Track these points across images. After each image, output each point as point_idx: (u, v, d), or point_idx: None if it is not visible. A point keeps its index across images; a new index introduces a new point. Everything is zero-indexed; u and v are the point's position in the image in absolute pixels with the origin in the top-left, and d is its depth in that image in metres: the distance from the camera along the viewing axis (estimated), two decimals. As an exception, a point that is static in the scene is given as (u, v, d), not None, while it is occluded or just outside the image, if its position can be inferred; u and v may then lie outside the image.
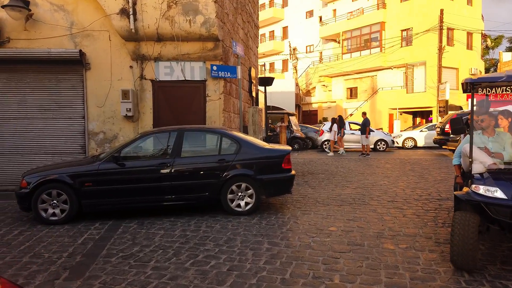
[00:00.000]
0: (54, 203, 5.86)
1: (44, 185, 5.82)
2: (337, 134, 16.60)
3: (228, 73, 8.26)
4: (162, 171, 6.01)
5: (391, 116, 29.70)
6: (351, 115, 31.43)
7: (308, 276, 3.86)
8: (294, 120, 20.75)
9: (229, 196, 6.19)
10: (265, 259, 4.33)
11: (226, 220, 5.98)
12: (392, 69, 29.52)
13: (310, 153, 18.48)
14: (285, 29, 39.91)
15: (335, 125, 16.63)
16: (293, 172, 6.57)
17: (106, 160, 6.03)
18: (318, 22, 35.80)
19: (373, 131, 18.97)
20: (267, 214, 6.29)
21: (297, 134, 19.67)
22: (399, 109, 28.60)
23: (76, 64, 7.86)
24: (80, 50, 7.74)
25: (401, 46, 29.00)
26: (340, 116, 17.50)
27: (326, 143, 18.86)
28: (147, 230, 5.52)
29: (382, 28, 29.95)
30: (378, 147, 18.56)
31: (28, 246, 4.89)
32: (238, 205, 6.23)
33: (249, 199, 6.25)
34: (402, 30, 29.07)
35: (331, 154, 16.47)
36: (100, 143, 8.02)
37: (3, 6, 7.21)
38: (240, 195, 6.22)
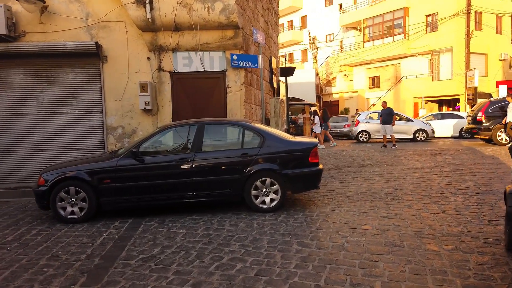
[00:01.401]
0: (73, 201, 5.65)
1: (62, 183, 5.61)
2: (321, 127, 15.90)
3: (249, 62, 7.87)
4: (183, 166, 5.71)
5: (416, 105, 28.69)
6: (373, 105, 30.57)
7: (345, 283, 3.47)
8: (317, 111, 20.16)
9: (253, 192, 5.85)
10: (295, 262, 3.96)
11: (250, 217, 5.64)
12: (416, 56, 28.43)
13: (339, 144, 17.95)
14: (303, 18, 39.05)
15: (317, 117, 15.95)
16: (320, 166, 6.17)
17: (124, 155, 5.77)
18: (338, 10, 34.84)
19: (412, 120, 18.23)
20: (294, 211, 5.91)
21: None
22: (424, 97, 27.57)
23: (92, 56, 7.62)
24: (96, 42, 7.50)
25: (426, 32, 27.85)
26: (324, 109, 16.87)
27: (362, 133, 18.20)
28: (168, 229, 5.24)
29: (406, 14, 28.82)
30: (417, 137, 17.70)
31: (45, 247, 4.68)
32: (263, 202, 5.88)
33: (274, 195, 5.89)
34: (427, 16, 27.89)
35: (321, 146, 15.65)
36: (119, 138, 7.79)
37: (17, -1, 7.01)
38: (265, 191, 5.87)
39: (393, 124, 15.06)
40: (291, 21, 40.21)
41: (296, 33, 38.82)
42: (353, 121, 20.18)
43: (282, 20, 38.56)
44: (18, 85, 7.63)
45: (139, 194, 5.75)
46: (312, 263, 3.92)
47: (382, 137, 15.67)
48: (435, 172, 8.91)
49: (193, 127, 6.02)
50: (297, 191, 6.25)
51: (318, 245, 4.45)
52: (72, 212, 5.66)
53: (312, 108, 19.90)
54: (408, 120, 18.26)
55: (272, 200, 5.88)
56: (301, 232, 4.91)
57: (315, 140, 6.36)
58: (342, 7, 34.47)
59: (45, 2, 7.36)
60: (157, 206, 6.05)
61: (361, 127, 18.31)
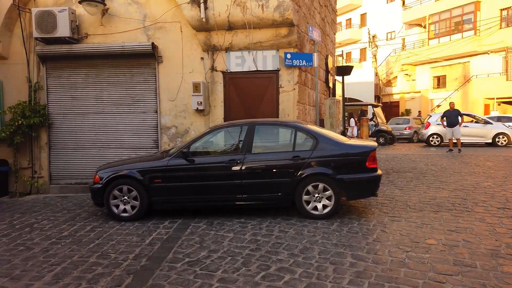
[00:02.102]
0: (125, 199, 5.72)
1: (115, 181, 5.71)
2: (358, 130, 14.80)
3: (304, 61, 7.56)
4: (232, 168, 5.55)
5: (487, 106, 26.37)
6: (438, 106, 28.60)
7: (406, 307, 3.06)
8: (379, 112, 19.21)
9: (305, 197, 5.53)
10: (349, 278, 3.61)
11: (301, 224, 5.34)
12: (488, 53, 26.12)
13: (395, 148, 17.00)
14: (363, 16, 37.66)
15: (352, 120, 14.88)
16: (379, 172, 5.70)
17: (175, 155, 5.74)
18: (401, 6, 33.09)
19: (491, 123, 16.62)
20: (348, 219, 5.51)
21: (383, 127, 18.21)
22: (497, 98, 25.23)
23: (149, 57, 7.76)
24: (153, 43, 7.61)
25: (500, 28, 25.48)
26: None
27: (433, 136, 16.92)
28: (216, 232, 5.10)
29: (477, 9, 26.60)
30: (497, 141, 15.98)
31: (97, 244, 4.74)
32: (315, 208, 5.55)
33: (327, 201, 5.53)
34: (501, 10, 25.51)
35: None
36: (172, 137, 7.86)
37: (80, 2, 7.32)
38: (317, 196, 5.53)
39: (460, 125, 13.83)
40: (350, 19, 38.98)
41: (355, 32, 37.55)
42: (423, 123, 18.85)
43: (340, 19, 37.52)
44: (81, 85, 7.98)
45: (188, 195, 5.69)
46: (368, 280, 3.55)
47: (451, 141, 14.39)
48: (511, 181, 7.96)
49: (244, 128, 5.85)
50: (353, 198, 5.83)
51: (375, 259, 4.04)
52: (125, 210, 5.74)
53: (375, 109, 18.97)
54: (486, 122, 16.57)
55: (324, 206, 5.53)
56: (356, 244, 4.52)
57: (374, 143, 5.89)
58: (405, 3, 32.70)
59: (106, 5, 7.62)
60: (207, 207, 5.95)
61: (432, 129, 16.82)
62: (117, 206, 5.74)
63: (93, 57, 7.81)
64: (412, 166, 10.55)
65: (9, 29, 7.86)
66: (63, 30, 7.45)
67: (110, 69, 7.91)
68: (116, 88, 7.94)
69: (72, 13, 7.57)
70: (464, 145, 15.52)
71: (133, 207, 5.73)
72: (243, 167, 5.55)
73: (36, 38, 7.62)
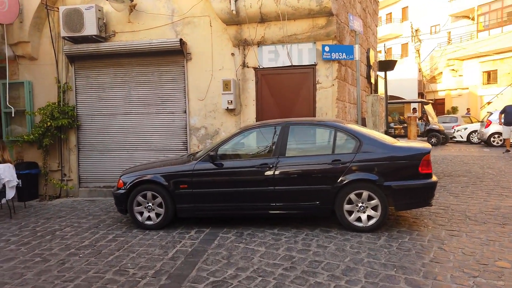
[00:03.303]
0: (149, 206, 5.31)
1: (139, 186, 5.31)
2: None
3: (343, 54, 6.85)
4: (264, 173, 4.98)
5: (544, 103, 24.12)
6: (488, 103, 26.57)
7: None
8: (429, 109, 17.90)
9: (346, 207, 4.86)
10: (405, 312, 2.93)
11: (342, 238, 4.68)
12: (546, 45, 23.89)
13: (447, 148, 15.74)
14: (404, 10, 35.82)
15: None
16: (434, 178, 4.92)
17: (202, 159, 5.25)
18: (446, -2, 31.13)
19: None
20: (398, 233, 4.78)
21: (434, 126, 16.97)
22: (557, 94, 23.02)
23: (177, 54, 7.36)
24: (181, 39, 7.20)
25: (561, 16, 23.22)
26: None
27: (495, 135, 15.36)
28: (245, 245, 4.55)
29: (533, -4, 24.43)
30: None
31: (116, 257, 4.33)
32: (358, 219, 4.87)
33: (372, 211, 4.83)
34: (561, -4, 23.26)
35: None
36: (201, 139, 7.41)
37: (107, -2, 7.03)
38: (361, 206, 4.84)
39: None
40: (390, 13, 37.26)
41: (395, 26, 35.83)
42: (482, 122, 17.30)
43: (380, 13, 35.94)
44: (108, 85, 7.72)
45: (216, 202, 5.19)
46: (429, 317, 2.85)
47: (508, 141, 12.99)
48: None
49: (277, 129, 5.26)
50: (402, 208, 5.07)
51: (436, 286, 3.33)
52: (149, 218, 5.33)
53: (425, 106, 17.67)
54: None
55: (369, 217, 4.84)
56: (409, 265, 3.81)
57: (428, 145, 5.11)
58: (451, -6, 30.72)
59: (133, 1, 7.30)
60: (236, 216, 5.42)
61: (493, 128, 15.31)
62: (141, 213, 5.34)
63: (120, 55, 7.51)
64: (466, 169, 9.51)
65: (38, 29, 7.73)
66: (90, 28, 7.20)
67: (138, 68, 7.59)
68: (144, 87, 7.60)
69: (99, 10, 7.30)
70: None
71: (157, 215, 5.30)
72: (276, 172, 4.97)
73: (64, 37, 7.43)
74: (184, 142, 7.51)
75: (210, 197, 5.18)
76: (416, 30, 31.30)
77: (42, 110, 7.52)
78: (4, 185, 6.01)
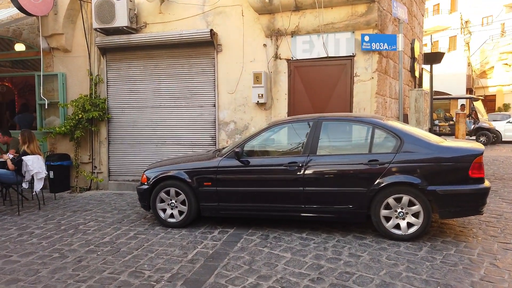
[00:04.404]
0: (172, 203, 5.09)
1: (162, 182, 5.10)
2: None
3: (385, 44, 6.28)
4: (293, 172, 4.60)
5: None
6: (546, 100, 24.46)
7: None
8: (479, 106, 16.71)
9: (384, 212, 4.39)
10: None
11: (378, 246, 4.22)
12: None
13: (498, 148, 14.56)
14: (453, 0, 33.78)
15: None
16: (486, 183, 4.32)
17: (227, 155, 4.95)
18: (500, -14, 28.95)
19: None
20: (442, 244, 4.25)
21: (484, 124, 15.83)
22: None
23: (207, 46, 7.09)
24: (211, 30, 6.91)
25: None
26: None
27: None
28: (270, 250, 4.21)
29: None
30: None
31: (134, 256, 4.13)
32: (397, 226, 4.38)
33: (413, 218, 4.32)
34: None
35: None
36: (230, 134, 7.12)
37: (137, -12, 6.86)
38: (400, 212, 4.35)
39: None
40: (438, 4, 35.27)
41: (443, 18, 33.86)
42: None
43: (427, 4, 34.10)
44: (139, 77, 7.60)
45: (241, 202, 4.88)
46: None
47: None
48: None
49: (308, 124, 4.85)
50: (448, 216, 4.50)
51: (488, 314, 2.83)
52: (172, 215, 5.11)
53: (475, 103, 16.51)
54: None
55: (410, 225, 4.33)
56: (456, 283, 3.31)
57: (480, 146, 4.50)
58: (506, -18, 28.52)
59: (167, -9, 7.10)
60: (262, 217, 5.09)
61: None
62: (164, 210, 5.14)
63: (151, 47, 7.36)
64: (521, 172, 8.61)
65: (72, 20, 7.73)
66: (121, 19, 7.09)
67: (168, 60, 7.40)
68: (174, 80, 7.41)
69: (131, 1, 7.17)
70: None
71: (180, 212, 5.07)
72: (306, 172, 4.57)
73: (96, 29, 7.37)
74: (212, 137, 7.26)
75: (235, 196, 4.88)
76: (466, 22, 29.36)
77: (74, 102, 7.53)
78: (32, 177, 6.02)
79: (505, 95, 27.73)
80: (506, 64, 27.89)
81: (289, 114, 6.71)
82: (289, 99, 6.76)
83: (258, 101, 6.76)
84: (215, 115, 7.20)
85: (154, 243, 4.54)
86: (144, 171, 5.36)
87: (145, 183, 5.20)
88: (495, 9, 29.41)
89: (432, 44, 31.41)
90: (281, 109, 6.80)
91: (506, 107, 26.09)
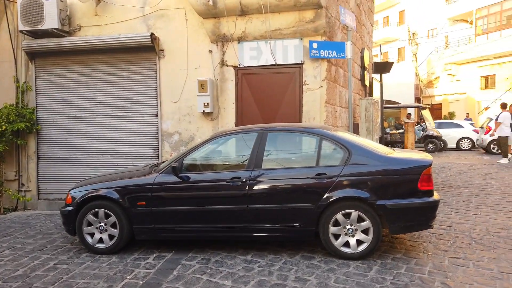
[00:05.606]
0: (102, 226, 4.50)
1: (90, 203, 4.51)
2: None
3: (334, 51, 6.10)
4: (236, 188, 4.20)
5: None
6: (486, 108, 25.95)
7: None
8: (427, 114, 17.27)
9: (332, 229, 4.09)
10: None
11: (326, 267, 3.90)
12: (546, 49, 23.33)
13: (445, 155, 15.01)
14: (401, 13, 35.28)
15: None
16: (436, 196, 4.15)
17: (165, 171, 4.46)
18: (445, 1, 30.60)
19: None
20: (393, 261, 4.01)
21: (432, 132, 16.35)
22: (557, 99, 22.40)
23: (148, 51, 6.59)
24: (152, 34, 6.43)
25: (561, 20, 22.69)
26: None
27: (495, 142, 14.42)
28: (209, 277, 3.76)
29: (532, -1, 23.91)
30: None
31: (48, 293, 3.52)
32: (346, 244, 4.09)
33: (362, 235, 4.06)
34: (562, -1, 22.74)
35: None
36: (175, 145, 6.63)
37: (67, -13, 6.25)
38: (349, 228, 4.07)
39: None
40: (387, 17, 36.74)
41: (392, 30, 35.30)
42: (482, 128, 16.56)
43: (377, 17, 35.41)
44: (73, 85, 6.93)
45: (180, 223, 4.39)
46: None
47: (510, 148, 12.27)
48: None
49: (253, 136, 4.48)
50: (398, 232, 4.28)
51: None
52: (101, 240, 4.52)
53: (422, 111, 17.04)
54: None
55: (359, 242, 4.06)
56: (407, 310, 3.03)
57: (429, 157, 4.34)
58: (449, -2, 30.21)
59: (99, -9, 6.54)
60: (202, 239, 4.63)
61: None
62: (92, 235, 4.54)
63: (86, 52, 6.74)
64: (467, 180, 8.76)
65: (-5, 22, 6.95)
66: (51, 21, 6.43)
67: (105, 66, 6.81)
68: (112, 88, 6.82)
69: (62, 1, 6.53)
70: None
71: (111, 237, 4.50)
72: (250, 187, 4.18)
73: (22, 31, 6.65)
74: (155, 149, 6.72)
75: (173, 216, 4.39)
76: (413, 34, 30.76)
77: (-2, 112, 6.72)
78: None
79: (450, 103, 29.16)
80: (451, 74, 29.40)
81: (237, 124, 6.34)
82: (237, 108, 6.40)
83: (204, 110, 6.33)
84: (157, 125, 6.68)
85: (76, 275, 3.94)
86: (69, 190, 4.74)
87: (70, 204, 4.58)
88: (439, 22, 31.02)
89: (382, 54, 32.57)
90: (228, 119, 6.41)
91: (451, 115, 27.39)
